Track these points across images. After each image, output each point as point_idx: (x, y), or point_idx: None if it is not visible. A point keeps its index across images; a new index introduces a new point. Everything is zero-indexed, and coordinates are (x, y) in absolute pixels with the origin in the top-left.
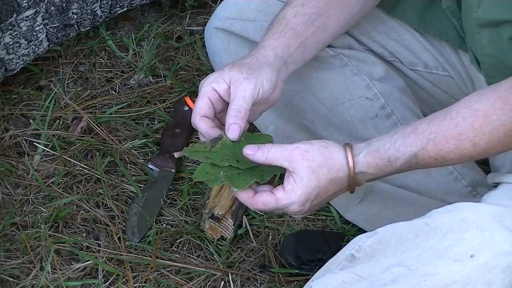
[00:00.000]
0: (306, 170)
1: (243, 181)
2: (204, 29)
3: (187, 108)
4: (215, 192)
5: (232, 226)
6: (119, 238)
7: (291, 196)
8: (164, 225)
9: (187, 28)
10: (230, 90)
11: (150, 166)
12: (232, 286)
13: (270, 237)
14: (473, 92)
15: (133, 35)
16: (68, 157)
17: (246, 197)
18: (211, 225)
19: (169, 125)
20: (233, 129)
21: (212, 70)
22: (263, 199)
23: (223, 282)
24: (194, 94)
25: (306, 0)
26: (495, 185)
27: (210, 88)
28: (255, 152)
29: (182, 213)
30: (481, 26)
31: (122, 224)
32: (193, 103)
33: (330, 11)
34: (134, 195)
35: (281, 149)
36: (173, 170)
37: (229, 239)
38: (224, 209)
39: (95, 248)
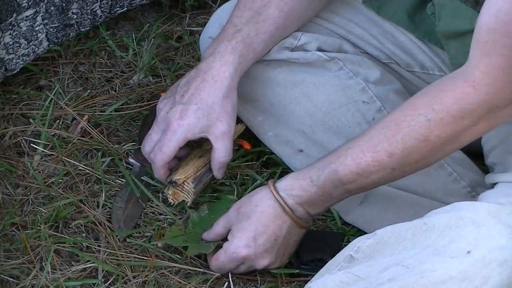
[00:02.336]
0: (236, 216)
1: None
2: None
3: None
4: (185, 162)
5: (193, 190)
6: (119, 238)
7: (232, 241)
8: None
9: (187, 28)
10: (209, 139)
11: (131, 161)
12: (232, 286)
13: None
14: None
15: (133, 35)
16: (68, 157)
17: (208, 259)
18: (174, 191)
19: (147, 120)
20: (222, 172)
21: None
22: (215, 256)
23: (224, 282)
24: None
25: (266, 16)
26: (493, 185)
27: (185, 138)
28: (208, 234)
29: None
30: (446, 38)
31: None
32: None
33: (288, 25)
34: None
35: (222, 217)
36: None
37: (190, 203)
38: (184, 174)
39: (95, 248)
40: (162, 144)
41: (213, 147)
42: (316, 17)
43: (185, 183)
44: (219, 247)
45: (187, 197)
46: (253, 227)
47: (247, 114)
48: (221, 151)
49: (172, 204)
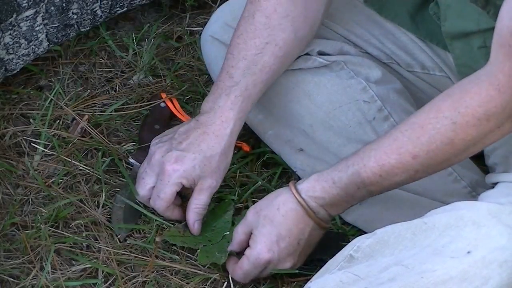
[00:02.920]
0: (257, 219)
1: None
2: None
3: (164, 105)
4: None
5: None
6: (119, 238)
7: (255, 247)
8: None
9: (187, 28)
10: (196, 185)
11: (131, 161)
12: (232, 286)
13: None
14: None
15: (133, 35)
16: (68, 157)
17: (230, 269)
18: None
19: (147, 120)
20: (197, 226)
21: None
22: (238, 265)
23: (223, 282)
24: (194, 93)
25: (263, 65)
26: (493, 186)
27: (179, 182)
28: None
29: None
30: (451, 38)
31: None
32: (170, 101)
33: (283, 68)
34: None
35: (240, 224)
36: None
37: None
38: None
39: (95, 248)
40: (159, 191)
41: (193, 197)
42: None
43: None
44: (231, 254)
45: None
46: (276, 231)
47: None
48: (201, 202)
49: None
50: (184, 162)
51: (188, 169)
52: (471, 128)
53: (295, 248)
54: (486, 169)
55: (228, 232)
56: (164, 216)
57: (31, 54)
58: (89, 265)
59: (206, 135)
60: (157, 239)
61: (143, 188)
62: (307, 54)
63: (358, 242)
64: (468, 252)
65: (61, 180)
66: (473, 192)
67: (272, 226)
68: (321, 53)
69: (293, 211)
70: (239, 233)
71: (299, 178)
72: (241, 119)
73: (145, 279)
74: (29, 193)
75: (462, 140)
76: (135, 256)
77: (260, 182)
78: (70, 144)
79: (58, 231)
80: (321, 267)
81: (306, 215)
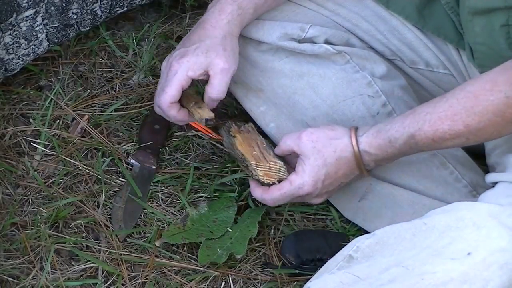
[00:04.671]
0: (311, 150)
1: (239, 245)
2: None
3: None
4: (243, 148)
5: (283, 165)
6: (119, 238)
7: (302, 176)
8: (157, 222)
9: (187, 28)
10: (210, 74)
11: (131, 161)
12: (232, 286)
13: (271, 236)
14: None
15: (133, 35)
16: (68, 157)
17: (261, 191)
18: (264, 172)
19: (147, 120)
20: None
21: None
22: (278, 187)
23: (223, 282)
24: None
25: None
26: (493, 185)
27: (186, 76)
28: (277, 150)
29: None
30: (473, 14)
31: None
32: None
33: None
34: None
35: (291, 137)
36: (154, 167)
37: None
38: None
39: (95, 248)
40: (164, 85)
41: (209, 82)
42: (323, 9)
43: (271, 163)
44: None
45: (280, 174)
46: (326, 170)
47: (249, 104)
48: (215, 88)
49: (267, 183)
50: (187, 54)
51: (192, 59)
52: None
53: (334, 188)
54: (486, 169)
55: (230, 230)
56: (170, 118)
57: (31, 54)
58: (89, 265)
59: (205, 28)
60: (157, 243)
61: (157, 95)
62: (313, 42)
63: (357, 242)
64: (469, 254)
65: (61, 180)
66: (473, 191)
67: (324, 164)
68: (327, 42)
69: (347, 159)
70: (288, 146)
71: None
72: (240, 15)
73: (145, 279)
74: (29, 193)
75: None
76: (135, 256)
77: None
78: (70, 144)
79: (58, 231)
80: (321, 267)
81: (357, 167)
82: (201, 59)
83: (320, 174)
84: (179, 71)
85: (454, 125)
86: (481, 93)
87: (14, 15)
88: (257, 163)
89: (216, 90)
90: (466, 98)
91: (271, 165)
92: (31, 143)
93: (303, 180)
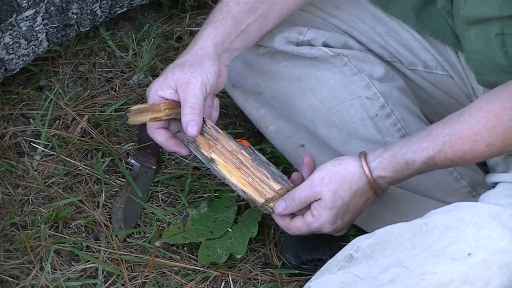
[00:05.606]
0: (328, 194)
1: (240, 245)
2: None
3: None
4: (235, 179)
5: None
6: (119, 238)
7: (319, 219)
8: (157, 222)
9: (187, 28)
10: (178, 93)
11: (131, 161)
12: (232, 286)
13: (271, 236)
14: (485, 93)
15: (133, 35)
16: (68, 157)
17: (284, 223)
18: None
19: None
20: (192, 125)
21: None
22: (296, 225)
23: (223, 282)
24: None
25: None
26: (494, 185)
27: (157, 96)
28: (285, 207)
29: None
30: (468, 24)
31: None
32: None
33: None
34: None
35: (301, 190)
36: (154, 167)
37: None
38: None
39: (95, 248)
40: None
41: (181, 100)
42: (321, 12)
43: (278, 190)
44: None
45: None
46: (345, 208)
47: (249, 107)
48: (188, 100)
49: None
50: (158, 78)
51: (160, 79)
52: None
53: (354, 218)
54: (486, 169)
55: (230, 230)
56: (160, 144)
57: (31, 54)
58: (89, 265)
59: (181, 56)
60: (157, 244)
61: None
62: (311, 45)
63: (358, 242)
64: (469, 254)
65: (61, 180)
66: (473, 192)
67: (343, 203)
68: (325, 45)
69: (363, 189)
70: (302, 201)
71: None
72: (217, 42)
73: (145, 279)
74: (29, 193)
75: None
76: (135, 256)
77: None
78: (70, 144)
79: (58, 231)
80: (321, 267)
81: (372, 191)
82: (169, 79)
83: (338, 214)
84: (150, 94)
85: (475, 145)
86: (502, 113)
87: (14, 15)
88: (267, 200)
89: (190, 101)
90: (487, 118)
91: (279, 192)
92: (31, 143)
93: (320, 223)
